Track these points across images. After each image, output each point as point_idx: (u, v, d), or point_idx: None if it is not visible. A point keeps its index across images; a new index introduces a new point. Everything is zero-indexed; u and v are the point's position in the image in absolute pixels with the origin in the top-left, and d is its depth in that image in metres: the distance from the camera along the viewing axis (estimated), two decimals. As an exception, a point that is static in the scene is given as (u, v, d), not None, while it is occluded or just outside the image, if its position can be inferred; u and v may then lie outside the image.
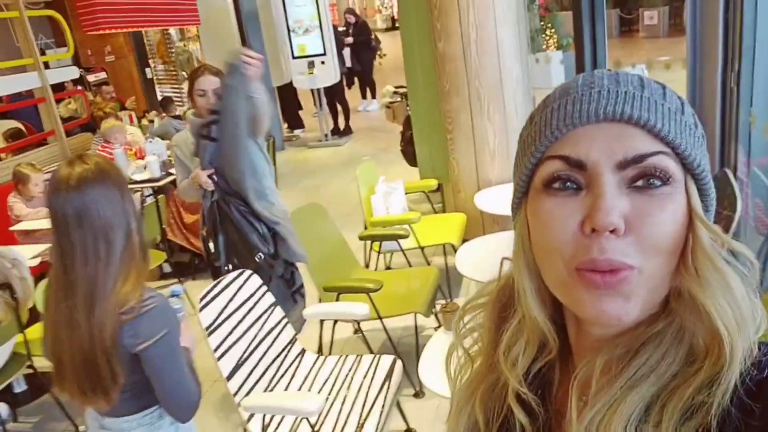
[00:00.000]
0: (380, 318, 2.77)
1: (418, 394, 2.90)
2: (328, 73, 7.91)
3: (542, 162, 0.55)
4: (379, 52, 15.16)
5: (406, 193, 4.13)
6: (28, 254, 3.27)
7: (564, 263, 0.53)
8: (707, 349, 0.50)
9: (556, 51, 9.69)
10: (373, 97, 10.26)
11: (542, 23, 9.64)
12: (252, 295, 2.42)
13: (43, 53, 6.71)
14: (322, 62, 7.83)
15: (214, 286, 2.28)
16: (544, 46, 9.63)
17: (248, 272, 2.45)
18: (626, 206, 0.50)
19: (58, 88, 6.15)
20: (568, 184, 0.53)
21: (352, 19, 9.84)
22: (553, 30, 9.65)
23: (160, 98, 8.87)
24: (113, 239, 1.42)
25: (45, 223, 3.89)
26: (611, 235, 0.49)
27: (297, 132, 9.23)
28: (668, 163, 0.51)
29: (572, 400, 0.54)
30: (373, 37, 10.20)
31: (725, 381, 0.47)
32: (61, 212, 1.41)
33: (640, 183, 0.51)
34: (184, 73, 9.42)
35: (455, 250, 3.33)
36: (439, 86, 3.93)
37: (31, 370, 2.94)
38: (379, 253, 3.64)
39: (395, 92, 5.88)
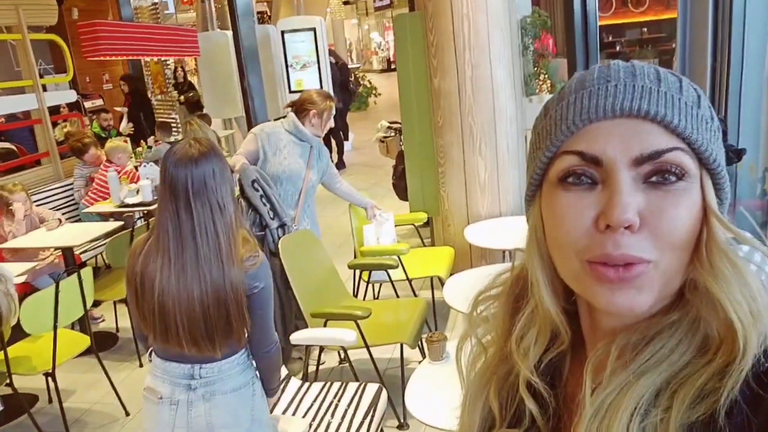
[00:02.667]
0: (367, 346, 2.75)
1: (402, 426, 2.87)
2: (324, 109, 7.99)
3: (557, 156, 0.55)
4: (374, 92, 15.45)
5: (396, 226, 4.16)
6: (15, 271, 3.25)
7: (576, 256, 0.53)
8: (721, 341, 0.50)
9: (549, 94, 9.88)
10: (346, 138, 10.24)
11: (536, 68, 9.85)
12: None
13: (41, 77, 6.76)
14: (319, 97, 7.93)
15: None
16: (537, 90, 9.82)
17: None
18: (641, 202, 0.50)
19: (54, 112, 6.19)
20: (583, 178, 0.53)
21: (332, 60, 9.98)
22: (546, 75, 9.85)
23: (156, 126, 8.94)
24: (226, 205, 1.68)
25: (30, 242, 3.91)
26: (626, 230, 0.50)
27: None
28: (684, 158, 0.51)
29: (586, 382, 0.54)
30: (352, 79, 10.28)
31: (737, 372, 0.47)
32: (183, 184, 1.64)
33: (655, 179, 0.51)
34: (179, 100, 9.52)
35: (442, 284, 3.34)
36: (433, 121, 4.00)
37: (9, 390, 2.89)
38: (368, 283, 3.64)
39: (389, 127, 5.95)
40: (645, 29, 15.14)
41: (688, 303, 0.53)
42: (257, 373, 1.87)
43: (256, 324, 1.76)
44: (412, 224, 4.29)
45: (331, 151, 8.72)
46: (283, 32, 7.98)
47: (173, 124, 8.29)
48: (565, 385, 0.62)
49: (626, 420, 0.49)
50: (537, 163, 0.58)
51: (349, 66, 13.89)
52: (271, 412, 1.95)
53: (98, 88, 9.15)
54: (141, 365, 3.68)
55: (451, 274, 3.43)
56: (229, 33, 8.19)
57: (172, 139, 6.86)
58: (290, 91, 8.04)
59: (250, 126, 8.46)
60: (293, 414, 2.37)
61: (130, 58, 7.95)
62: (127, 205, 4.57)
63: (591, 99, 0.54)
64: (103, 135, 7.30)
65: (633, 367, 0.51)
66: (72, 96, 6.28)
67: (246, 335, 1.77)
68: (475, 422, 0.67)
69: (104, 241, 4.05)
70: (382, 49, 26.70)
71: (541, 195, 0.59)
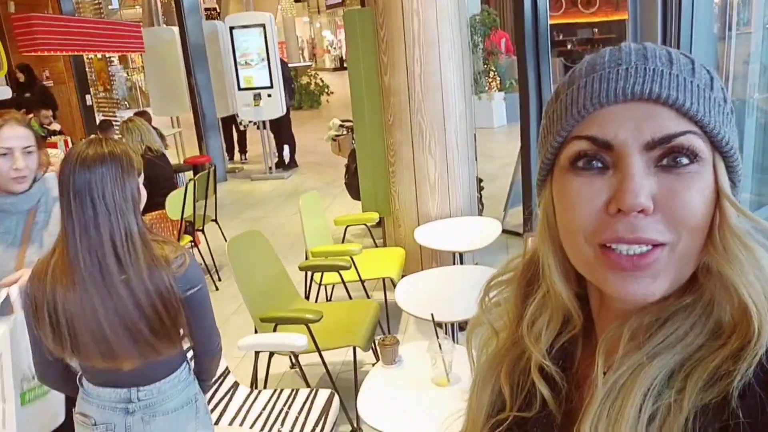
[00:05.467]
0: (318, 350, 2.68)
1: (356, 431, 2.81)
2: (275, 106, 7.89)
3: (568, 141, 0.55)
4: (327, 91, 15.36)
5: (349, 226, 4.09)
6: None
7: (587, 240, 0.53)
8: (735, 324, 0.50)
9: (498, 92, 10.01)
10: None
11: (486, 66, 9.93)
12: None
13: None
14: (269, 95, 7.82)
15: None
16: (486, 87, 9.91)
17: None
18: (653, 186, 0.50)
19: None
20: (594, 163, 0.53)
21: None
22: (495, 72, 9.96)
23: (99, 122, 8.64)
24: (129, 208, 1.54)
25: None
26: (639, 214, 0.50)
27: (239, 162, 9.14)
28: (696, 142, 0.51)
29: (598, 363, 0.54)
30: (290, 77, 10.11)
31: (751, 355, 0.47)
32: (83, 188, 1.49)
33: (666, 162, 0.50)
34: (126, 102, 9.25)
35: (394, 285, 3.29)
36: (384, 119, 3.95)
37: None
38: (320, 285, 3.57)
39: (341, 125, 5.89)
40: (596, 30, 15.54)
41: (701, 286, 0.53)
42: (199, 387, 1.77)
43: (197, 327, 1.66)
44: (365, 224, 4.23)
45: (281, 151, 8.61)
46: (231, 28, 7.80)
47: (114, 122, 8.00)
48: (577, 368, 0.62)
49: (639, 401, 0.49)
50: (548, 148, 0.58)
51: (299, 65, 13.79)
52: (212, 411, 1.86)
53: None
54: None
55: (402, 276, 3.39)
56: (176, 29, 7.99)
57: (115, 138, 6.62)
58: (239, 89, 7.89)
59: (197, 124, 8.30)
60: (241, 424, 2.28)
61: (69, 53, 7.64)
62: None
63: (602, 83, 0.53)
64: (42, 134, 7.00)
65: (646, 349, 0.51)
66: (6, 93, 5.99)
67: (181, 340, 1.66)
68: (483, 405, 0.67)
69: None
70: (335, 48, 26.59)
71: (552, 180, 0.58)
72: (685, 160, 0.50)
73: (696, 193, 0.50)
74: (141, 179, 1.64)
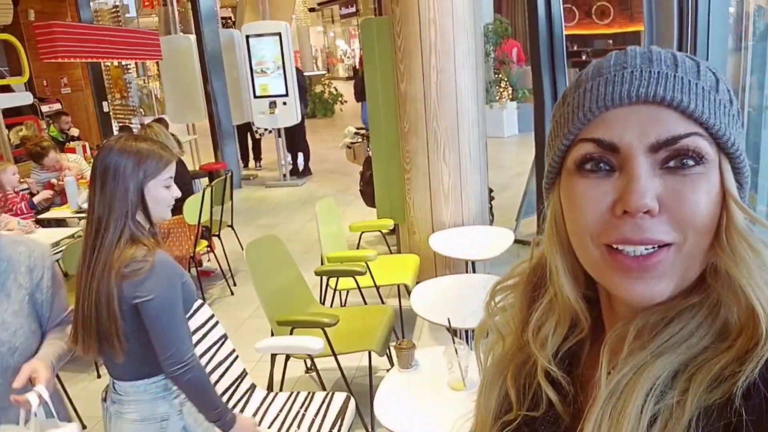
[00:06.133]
0: (334, 354, 2.70)
1: (370, 435, 2.82)
2: (290, 114, 7.95)
3: (575, 144, 0.56)
4: (340, 99, 15.44)
5: (364, 232, 4.12)
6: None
7: (594, 241, 0.54)
8: (742, 326, 0.50)
9: (511, 102, 10.00)
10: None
11: (497, 75, 9.94)
12: (202, 326, 2.34)
13: (-4, 80, 6.54)
14: (284, 103, 7.88)
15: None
16: (497, 97, 9.91)
17: (199, 302, 2.37)
18: (659, 187, 0.51)
19: (10, 114, 5.98)
20: (601, 165, 0.53)
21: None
22: (507, 82, 9.96)
23: (117, 129, 8.76)
24: (124, 201, 1.57)
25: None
26: (645, 215, 0.50)
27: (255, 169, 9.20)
28: (701, 143, 0.51)
29: (603, 362, 0.54)
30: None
31: (758, 357, 0.47)
32: (100, 168, 1.58)
33: (672, 163, 0.51)
34: (141, 110, 9.36)
35: (408, 292, 3.31)
36: (400, 126, 3.98)
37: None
38: (335, 290, 3.59)
39: (356, 133, 5.92)
40: (611, 41, 15.47)
41: (709, 287, 0.53)
42: (182, 407, 1.70)
43: (151, 340, 1.59)
44: (379, 231, 4.26)
45: (296, 159, 8.66)
46: (248, 37, 7.89)
47: (131, 129, 8.10)
48: (582, 370, 0.62)
49: (641, 401, 0.49)
50: (555, 151, 0.58)
51: (313, 73, 13.89)
52: None
53: (56, 92, 8.90)
54: (99, 376, 3.55)
55: (417, 282, 3.41)
56: (192, 37, 8.08)
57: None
58: (255, 96, 7.95)
59: (213, 131, 8.38)
60: (258, 424, 2.30)
61: (89, 60, 7.75)
62: (84, 210, 4.43)
63: (608, 86, 0.54)
64: (61, 139, 7.10)
65: (651, 348, 0.51)
66: (28, 98, 6.08)
67: (122, 349, 1.58)
68: (491, 406, 0.67)
69: (61, 248, 3.92)
70: (348, 57, 26.71)
71: (560, 182, 0.59)
72: (690, 162, 0.51)
73: (702, 194, 0.51)
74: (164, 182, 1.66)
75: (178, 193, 1.73)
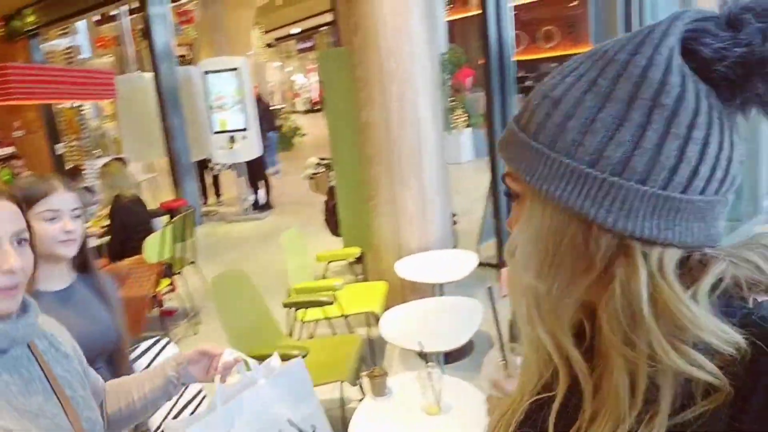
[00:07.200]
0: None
1: (345, 467, 2.77)
2: (250, 148, 7.92)
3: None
4: (299, 132, 15.47)
5: (330, 262, 4.09)
6: None
7: None
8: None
9: (466, 128, 10.24)
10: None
11: (453, 102, 10.14)
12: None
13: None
14: (244, 137, 7.86)
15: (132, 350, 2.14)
16: (453, 125, 10.12)
17: (165, 340, 2.32)
18: None
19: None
20: None
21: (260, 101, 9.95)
22: (463, 109, 10.18)
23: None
24: None
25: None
26: None
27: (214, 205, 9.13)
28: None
29: None
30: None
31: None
32: None
33: None
34: (99, 150, 9.21)
35: (377, 320, 3.30)
36: (362, 154, 4.00)
37: None
38: (303, 322, 3.55)
39: (318, 164, 5.94)
40: (556, 64, 15.91)
41: None
42: None
43: None
44: (345, 259, 4.25)
45: (256, 191, 8.62)
46: (206, 72, 7.88)
47: (83, 169, 7.92)
48: None
49: None
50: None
51: (272, 106, 13.93)
52: None
53: (8, 136, 8.72)
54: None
55: (386, 309, 3.40)
56: (148, 75, 8.03)
57: (84, 185, 6.58)
58: (214, 132, 7.92)
59: (173, 168, 8.28)
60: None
61: (44, 102, 7.63)
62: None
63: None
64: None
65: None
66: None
67: None
68: None
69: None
70: (306, 91, 26.87)
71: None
72: None
73: None
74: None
75: (70, 227, 1.55)
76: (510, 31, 4.49)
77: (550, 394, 0.60)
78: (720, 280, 0.52)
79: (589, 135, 0.52)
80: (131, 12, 10.06)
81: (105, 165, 4.67)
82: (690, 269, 0.53)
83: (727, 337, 0.48)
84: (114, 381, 1.39)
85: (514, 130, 0.58)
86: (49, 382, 1.09)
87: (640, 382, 0.51)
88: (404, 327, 3.02)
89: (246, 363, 1.32)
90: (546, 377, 0.63)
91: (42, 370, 1.09)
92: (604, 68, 0.54)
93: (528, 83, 14.46)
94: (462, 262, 3.63)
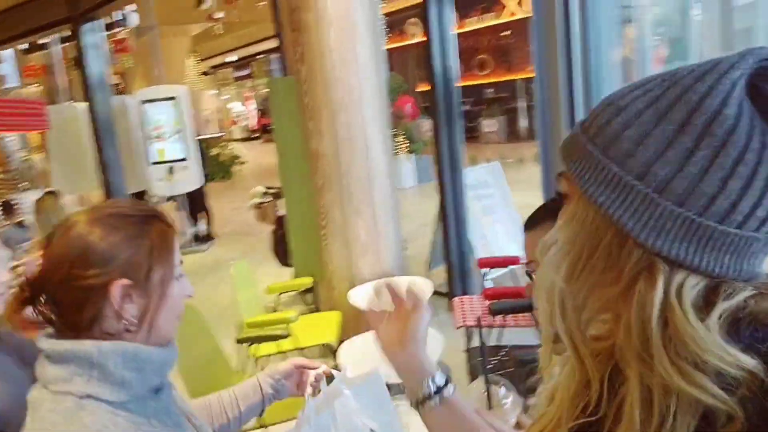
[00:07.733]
0: (264, 426, 2.56)
1: (308, 508, 2.66)
2: (191, 179, 7.72)
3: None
4: (237, 159, 15.26)
5: (281, 293, 3.99)
6: None
7: None
8: None
9: (409, 154, 10.40)
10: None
11: (394, 130, 10.29)
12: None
13: None
14: (184, 167, 7.65)
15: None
16: (395, 152, 10.27)
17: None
18: None
19: None
20: None
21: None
22: (404, 136, 10.33)
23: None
24: None
25: None
26: None
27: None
28: None
29: None
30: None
31: None
32: None
33: None
34: (27, 183, 8.81)
35: (333, 352, 3.23)
36: (313, 183, 3.96)
37: None
38: (257, 359, 3.44)
39: (265, 192, 5.84)
40: (491, 90, 16.60)
41: None
42: None
43: None
44: (296, 290, 4.16)
45: (196, 222, 8.39)
46: (143, 102, 7.66)
47: (14, 204, 7.54)
48: None
49: None
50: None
51: (210, 136, 13.72)
52: None
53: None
54: None
55: (341, 340, 3.33)
56: (80, 105, 7.76)
57: (19, 219, 6.25)
58: (152, 163, 7.68)
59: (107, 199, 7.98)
60: None
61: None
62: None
63: None
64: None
65: None
66: None
67: None
68: None
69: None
70: (244, 118, 26.63)
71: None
72: None
73: None
74: None
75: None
76: (454, 59, 4.58)
77: (591, 419, 0.59)
78: (744, 309, 0.52)
79: (641, 148, 0.54)
80: (63, 40, 9.72)
81: (39, 200, 4.45)
82: (715, 298, 0.53)
83: (736, 361, 0.49)
84: (196, 403, 1.35)
85: (578, 131, 0.61)
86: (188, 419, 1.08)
87: (654, 402, 0.52)
88: (362, 358, 2.96)
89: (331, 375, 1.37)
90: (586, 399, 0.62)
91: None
92: (668, 88, 0.55)
93: (466, 107, 14.88)
94: (418, 289, 3.60)
